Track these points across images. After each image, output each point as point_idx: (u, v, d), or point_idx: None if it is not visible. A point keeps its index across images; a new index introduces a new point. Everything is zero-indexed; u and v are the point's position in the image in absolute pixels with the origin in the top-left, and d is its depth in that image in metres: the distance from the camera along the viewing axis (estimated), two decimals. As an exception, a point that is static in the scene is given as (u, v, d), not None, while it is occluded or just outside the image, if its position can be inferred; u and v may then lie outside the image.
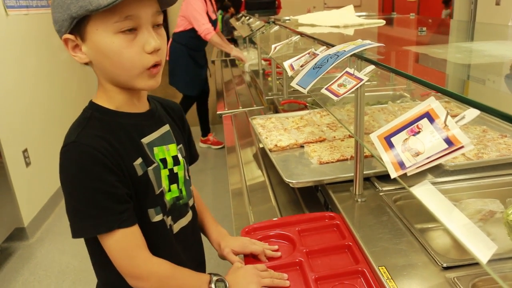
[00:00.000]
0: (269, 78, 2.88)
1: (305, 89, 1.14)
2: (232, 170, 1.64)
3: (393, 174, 0.70)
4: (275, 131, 1.70)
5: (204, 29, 3.67)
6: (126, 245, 0.82)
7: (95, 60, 0.82)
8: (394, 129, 0.73)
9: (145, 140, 0.88)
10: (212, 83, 3.97)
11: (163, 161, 0.90)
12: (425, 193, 0.67)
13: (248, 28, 3.75)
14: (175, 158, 0.93)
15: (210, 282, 0.87)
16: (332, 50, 1.18)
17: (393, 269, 0.90)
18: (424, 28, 1.62)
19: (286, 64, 1.40)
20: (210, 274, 0.90)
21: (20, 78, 2.97)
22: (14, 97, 2.86)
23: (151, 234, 0.87)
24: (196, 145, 1.27)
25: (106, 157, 0.79)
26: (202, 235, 1.09)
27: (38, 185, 3.05)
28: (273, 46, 1.83)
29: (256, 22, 3.57)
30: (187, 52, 3.86)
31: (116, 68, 0.80)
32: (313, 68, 1.17)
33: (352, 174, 1.22)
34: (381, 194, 1.21)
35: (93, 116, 0.85)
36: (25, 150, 2.92)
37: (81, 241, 0.91)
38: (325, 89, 1.07)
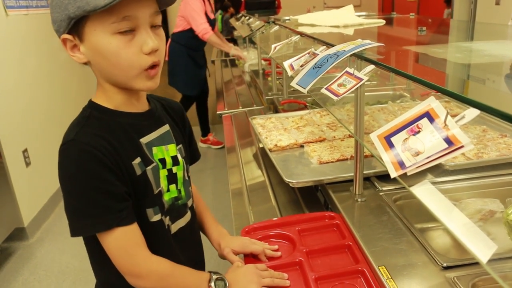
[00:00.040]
0: (269, 78, 2.88)
1: (305, 89, 1.14)
2: (232, 170, 1.64)
3: (393, 174, 0.70)
4: (275, 131, 1.70)
5: (202, 28, 3.67)
6: (125, 243, 0.82)
7: (93, 61, 0.82)
8: (394, 128, 0.73)
9: (144, 140, 0.88)
10: (212, 83, 3.97)
11: (162, 161, 0.90)
12: (425, 192, 0.67)
13: (248, 28, 3.75)
14: (174, 158, 0.93)
15: (210, 281, 0.87)
16: (332, 50, 1.18)
17: (393, 269, 0.90)
18: (424, 28, 1.62)
19: (286, 64, 1.40)
20: (210, 272, 0.90)
21: (20, 78, 2.97)
22: (14, 97, 2.86)
23: (149, 234, 0.87)
24: (196, 145, 1.27)
25: (105, 156, 0.79)
26: (202, 235, 1.09)
27: (38, 185, 3.05)
28: (273, 46, 1.83)
29: (256, 22, 3.57)
30: (186, 52, 3.86)
31: (114, 68, 0.80)
32: (313, 68, 1.17)
33: (352, 174, 1.22)
34: (381, 194, 1.21)
35: (92, 115, 0.85)
36: (25, 150, 2.92)
37: (81, 241, 0.91)
38: (325, 89, 1.07)
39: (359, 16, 2.19)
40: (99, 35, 0.77)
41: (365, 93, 1.09)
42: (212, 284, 0.87)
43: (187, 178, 0.98)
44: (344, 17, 2.08)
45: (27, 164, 2.93)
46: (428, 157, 0.65)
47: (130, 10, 0.76)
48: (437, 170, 0.68)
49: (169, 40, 3.90)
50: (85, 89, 3.97)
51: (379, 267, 0.91)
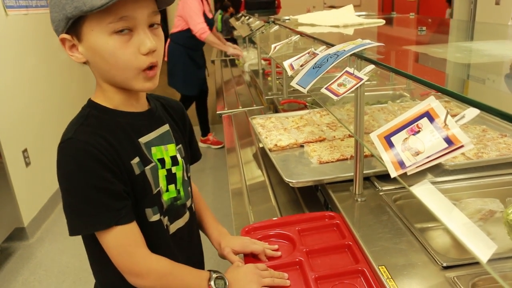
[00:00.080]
0: (269, 78, 2.88)
1: (305, 88, 1.14)
2: (232, 169, 1.64)
3: (393, 174, 0.70)
4: (275, 130, 1.70)
5: (200, 28, 3.67)
6: (124, 242, 0.82)
7: (92, 60, 0.82)
8: (394, 128, 0.73)
9: (143, 140, 0.88)
10: (212, 83, 3.97)
11: (161, 161, 0.90)
12: (425, 192, 0.67)
13: (247, 27, 3.75)
14: (173, 159, 0.93)
15: (210, 279, 0.87)
16: (332, 50, 1.18)
17: (393, 269, 0.90)
18: (424, 28, 1.62)
19: (286, 63, 1.40)
20: (209, 271, 0.90)
21: (19, 78, 2.97)
22: (14, 97, 2.86)
23: (148, 234, 0.87)
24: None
25: (103, 154, 0.79)
26: (201, 235, 1.09)
27: (38, 185, 3.05)
28: (273, 45, 1.83)
29: (255, 22, 3.57)
30: (186, 52, 3.86)
31: (111, 68, 0.80)
32: (313, 68, 1.17)
33: (352, 174, 1.22)
34: (381, 193, 1.21)
35: (91, 114, 0.85)
36: (25, 150, 2.92)
37: (81, 241, 0.91)
38: (325, 88, 1.07)
39: (359, 16, 2.19)
40: (96, 35, 0.77)
41: (365, 93, 1.09)
42: (212, 283, 0.87)
43: (186, 178, 0.98)
44: (344, 17, 2.08)
45: (27, 164, 2.93)
46: (428, 157, 0.65)
47: (127, 10, 0.76)
48: (437, 169, 0.68)
49: (168, 40, 3.90)
50: (85, 89, 3.97)
51: (379, 267, 0.91)
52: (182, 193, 0.96)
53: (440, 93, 0.75)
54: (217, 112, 2.46)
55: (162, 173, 0.90)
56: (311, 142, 1.57)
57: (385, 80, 2.21)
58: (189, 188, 1.00)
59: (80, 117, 0.85)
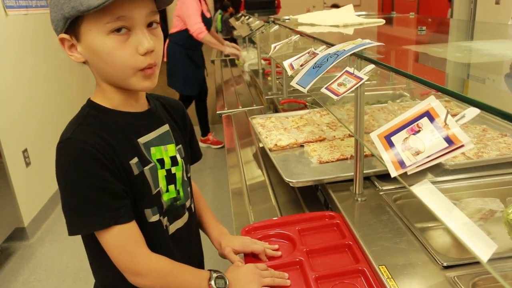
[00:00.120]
0: (269, 78, 2.88)
1: (305, 88, 1.14)
2: (232, 169, 1.64)
3: (393, 173, 0.70)
4: (275, 130, 1.70)
5: (197, 28, 3.67)
6: (124, 241, 0.82)
7: (90, 60, 0.82)
8: (394, 128, 0.73)
9: (142, 140, 0.88)
10: (212, 83, 3.97)
11: (160, 161, 0.90)
12: (425, 192, 0.67)
13: (247, 27, 3.75)
14: (173, 159, 0.93)
15: (210, 279, 0.87)
16: (331, 50, 1.18)
17: (393, 268, 0.90)
18: (424, 27, 1.62)
19: (286, 63, 1.40)
20: (210, 270, 0.90)
21: (19, 78, 2.97)
22: (14, 97, 2.86)
23: (147, 235, 0.86)
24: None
25: (101, 153, 0.79)
26: (201, 235, 1.09)
27: (38, 185, 3.05)
28: (272, 45, 1.83)
29: (255, 22, 3.56)
30: (185, 52, 3.86)
31: (109, 68, 0.80)
32: (313, 68, 1.17)
33: (352, 174, 1.22)
34: (381, 193, 1.21)
35: (90, 114, 0.85)
36: (25, 150, 2.92)
37: (81, 241, 0.91)
38: (325, 88, 1.07)
39: (358, 15, 2.19)
40: (94, 35, 0.77)
41: (365, 93, 1.09)
42: (212, 282, 0.87)
43: (186, 178, 0.98)
44: (344, 17, 2.08)
45: (27, 164, 2.93)
46: (428, 156, 0.65)
47: (124, 10, 0.75)
48: (437, 169, 0.68)
49: (167, 40, 3.89)
50: (84, 89, 3.97)
51: (379, 267, 0.91)
52: (181, 193, 0.96)
53: (440, 92, 0.74)
54: (217, 112, 2.46)
55: (161, 173, 0.90)
56: (311, 142, 1.57)
57: (385, 79, 2.21)
58: (189, 189, 1.00)
59: (79, 117, 0.85)
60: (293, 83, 1.20)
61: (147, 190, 0.87)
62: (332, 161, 1.40)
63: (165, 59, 3.89)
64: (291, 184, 1.29)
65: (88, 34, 0.78)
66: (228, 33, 6.51)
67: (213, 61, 4.62)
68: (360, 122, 1.09)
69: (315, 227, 1.13)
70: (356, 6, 2.32)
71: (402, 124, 0.72)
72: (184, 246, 0.99)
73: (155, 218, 0.89)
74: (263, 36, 2.95)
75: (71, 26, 0.78)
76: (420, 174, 0.68)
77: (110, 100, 0.86)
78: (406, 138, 0.70)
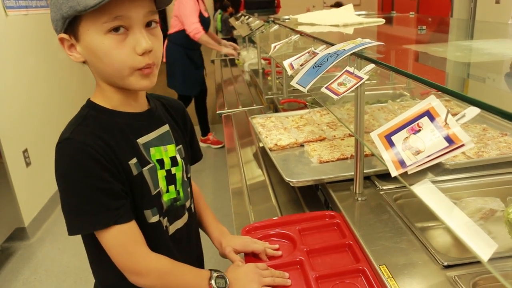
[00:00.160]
0: (269, 77, 2.88)
1: (305, 88, 1.14)
2: (232, 169, 1.64)
3: (394, 173, 0.70)
4: (275, 130, 1.70)
5: (194, 28, 3.67)
6: (124, 241, 0.82)
7: (89, 60, 0.82)
8: (395, 127, 0.73)
9: (141, 141, 0.88)
10: (212, 83, 3.97)
11: (160, 161, 0.90)
12: (426, 191, 0.67)
13: (247, 27, 3.75)
14: (173, 159, 0.93)
15: (210, 278, 0.87)
16: (331, 49, 1.17)
17: (394, 268, 0.90)
18: (424, 27, 1.62)
19: (286, 63, 1.40)
20: (210, 270, 0.90)
21: (20, 78, 2.97)
22: (14, 98, 2.86)
23: (147, 235, 0.86)
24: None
25: (100, 154, 0.79)
26: (201, 235, 1.09)
27: (38, 185, 3.05)
28: (272, 45, 1.83)
29: (255, 22, 3.56)
30: (184, 52, 3.86)
31: (107, 68, 0.80)
32: (313, 67, 1.17)
33: (352, 173, 1.22)
34: (381, 193, 1.21)
35: (90, 115, 0.85)
36: (25, 150, 2.92)
37: (81, 241, 0.91)
38: (325, 88, 1.07)
39: (358, 15, 2.19)
40: (92, 35, 0.77)
41: (365, 92, 1.09)
42: (213, 282, 0.87)
43: (186, 179, 0.98)
44: (344, 16, 2.08)
45: (27, 164, 2.93)
46: (428, 156, 0.65)
47: (122, 9, 0.75)
48: (437, 169, 0.68)
49: (166, 41, 3.89)
50: (84, 89, 3.97)
51: (380, 266, 0.91)
52: (181, 194, 0.96)
53: (440, 92, 0.74)
54: (217, 112, 2.46)
55: (161, 174, 0.90)
56: (311, 141, 1.57)
57: (385, 79, 2.20)
58: (189, 189, 1.00)
59: (79, 117, 0.85)
60: (293, 82, 1.20)
61: (146, 190, 0.87)
62: (332, 161, 1.40)
63: (164, 60, 3.89)
64: (291, 184, 1.29)
65: (86, 34, 0.78)
66: (228, 33, 6.51)
67: (213, 61, 4.62)
68: (360, 121, 1.09)
69: (316, 227, 1.13)
70: (356, 6, 2.32)
71: (402, 123, 0.72)
72: (184, 246, 0.99)
73: (155, 218, 0.89)
74: (263, 35, 2.95)
75: (70, 26, 0.78)
76: (420, 174, 0.68)
77: (110, 100, 0.86)
78: (407, 137, 0.70)
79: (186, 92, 4.05)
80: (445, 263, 0.89)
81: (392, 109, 1.66)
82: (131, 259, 0.83)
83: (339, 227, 1.11)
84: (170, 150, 0.93)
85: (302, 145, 1.55)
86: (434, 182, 0.69)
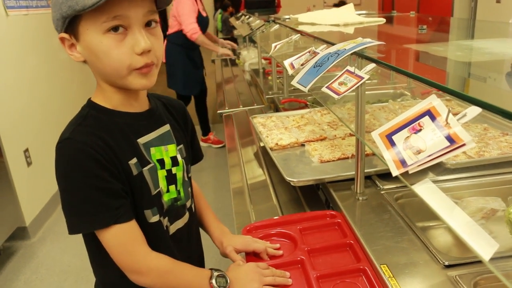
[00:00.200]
0: (270, 77, 2.88)
1: (305, 87, 1.14)
2: (233, 169, 1.64)
3: (395, 172, 0.69)
4: (275, 129, 1.70)
5: (191, 28, 3.67)
6: (124, 240, 0.82)
7: (89, 60, 0.82)
8: (396, 127, 0.73)
9: (142, 140, 0.88)
10: (212, 82, 3.97)
11: (160, 161, 0.90)
12: (427, 191, 0.67)
13: (248, 27, 3.75)
14: (173, 159, 0.93)
15: (211, 277, 0.87)
16: (332, 49, 1.17)
17: (395, 267, 0.90)
18: (425, 26, 1.62)
19: (286, 62, 1.40)
20: (211, 269, 0.90)
21: (20, 78, 2.97)
22: (15, 97, 2.86)
23: (147, 235, 0.87)
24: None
25: (99, 153, 0.79)
26: (202, 235, 1.09)
27: (40, 185, 3.05)
28: (273, 45, 1.83)
29: (256, 21, 3.56)
30: (184, 52, 3.86)
31: (106, 67, 0.80)
32: (314, 67, 1.17)
33: (353, 173, 1.22)
34: (382, 192, 1.21)
35: (90, 115, 0.85)
36: (26, 150, 2.93)
37: (82, 240, 0.91)
38: (326, 87, 1.07)
39: (359, 14, 2.19)
40: (91, 34, 0.77)
41: (366, 92, 1.09)
42: (213, 281, 0.87)
43: (186, 179, 0.98)
44: (344, 16, 2.08)
45: (29, 163, 2.94)
46: (429, 155, 0.65)
47: (121, 9, 0.75)
48: (438, 168, 0.68)
49: (165, 41, 3.89)
50: (85, 88, 3.97)
51: (381, 266, 0.91)
52: (182, 193, 0.96)
53: (441, 91, 0.74)
54: (218, 112, 2.46)
55: (161, 173, 0.90)
56: (312, 141, 1.57)
57: (386, 79, 2.20)
58: (189, 189, 1.00)
59: (79, 117, 0.85)
60: (294, 82, 1.20)
61: (146, 190, 0.87)
62: (333, 160, 1.40)
63: (163, 60, 3.89)
64: (292, 183, 1.29)
65: (86, 34, 0.78)
66: (228, 33, 6.51)
67: (213, 61, 4.62)
68: (361, 121, 1.09)
69: (316, 226, 1.13)
70: (356, 5, 2.31)
71: (403, 123, 0.72)
72: (185, 246, 0.99)
73: (155, 218, 0.89)
74: (263, 35, 2.95)
75: (70, 25, 0.79)
76: (421, 173, 0.68)
77: (110, 100, 0.86)
78: (408, 137, 0.70)
79: (186, 92, 4.05)
80: (446, 263, 0.89)
81: (393, 109, 1.66)
82: (132, 258, 0.83)
83: (340, 227, 1.11)
84: (171, 150, 0.93)
85: (303, 145, 1.56)
86: (435, 181, 0.69)
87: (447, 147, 0.63)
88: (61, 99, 3.59)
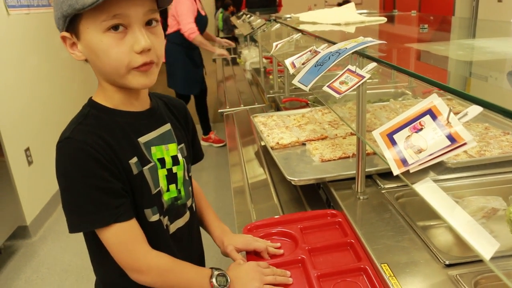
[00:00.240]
0: (271, 76, 2.88)
1: (306, 86, 1.14)
2: (234, 168, 1.65)
3: (396, 171, 0.69)
4: (276, 129, 1.70)
5: (189, 28, 3.68)
6: (124, 239, 0.83)
7: (89, 59, 0.82)
8: (397, 126, 0.73)
9: (142, 140, 0.88)
10: (213, 81, 3.97)
11: (161, 160, 0.90)
12: (427, 190, 0.67)
13: (249, 26, 3.75)
14: (174, 158, 0.93)
15: (211, 276, 0.87)
16: (333, 48, 1.17)
17: (396, 267, 0.90)
18: (426, 25, 1.61)
19: (287, 62, 1.40)
20: (211, 268, 0.90)
21: (21, 77, 2.97)
22: (16, 96, 2.86)
23: (147, 234, 0.87)
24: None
25: (99, 153, 0.79)
26: (203, 234, 1.09)
27: (40, 184, 3.06)
28: (274, 44, 1.83)
29: (257, 20, 3.56)
30: (184, 51, 3.86)
31: (105, 66, 0.80)
32: (315, 66, 1.17)
33: (354, 172, 1.22)
34: (383, 191, 1.21)
35: (91, 114, 0.85)
36: (27, 149, 2.93)
37: (83, 239, 0.91)
38: (327, 86, 1.07)
39: (360, 14, 2.19)
40: (91, 33, 0.77)
41: (367, 91, 1.09)
42: (214, 280, 0.87)
43: (187, 178, 0.98)
44: (346, 15, 2.08)
45: (29, 162, 2.94)
46: (430, 154, 0.65)
47: (120, 8, 0.75)
48: (439, 167, 0.68)
49: (165, 41, 3.89)
50: (86, 87, 3.97)
51: (382, 265, 0.91)
52: (182, 193, 0.96)
53: (442, 91, 0.74)
54: (219, 111, 2.46)
55: (162, 173, 0.90)
56: (313, 140, 1.57)
57: (387, 78, 2.20)
58: (190, 188, 1.00)
59: (80, 116, 0.85)
60: (295, 81, 1.20)
61: (146, 189, 0.87)
62: (334, 160, 1.40)
63: (163, 60, 3.88)
64: (293, 183, 1.29)
65: (86, 32, 0.78)
66: (229, 32, 6.51)
67: (214, 60, 4.62)
68: (362, 120, 1.09)
69: (317, 225, 1.13)
70: (357, 5, 2.31)
71: (404, 122, 0.72)
72: (185, 245, 0.99)
73: (155, 217, 0.89)
74: (264, 34, 2.94)
75: (71, 24, 0.79)
76: (422, 172, 0.68)
77: (111, 99, 0.86)
78: (409, 136, 0.70)
79: (186, 92, 4.05)
80: (447, 262, 0.89)
81: (394, 108, 1.66)
82: (132, 257, 0.84)
83: (340, 226, 1.11)
84: (172, 149, 0.93)
85: (303, 144, 1.55)
86: (436, 180, 0.69)
87: (448, 146, 0.63)
88: (62, 98, 3.59)
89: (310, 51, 1.32)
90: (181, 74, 3.92)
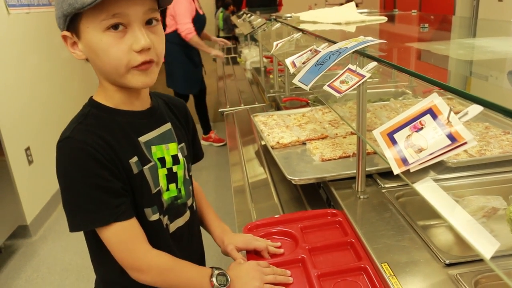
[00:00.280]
0: (271, 76, 2.88)
1: (307, 86, 1.14)
2: (234, 167, 1.65)
3: (396, 170, 0.69)
4: (277, 128, 1.70)
5: (186, 28, 3.68)
6: (124, 238, 0.83)
7: (90, 58, 0.82)
8: (397, 125, 0.73)
9: (143, 139, 0.88)
10: (214, 81, 3.98)
11: (161, 160, 0.90)
12: (428, 189, 0.67)
13: (249, 25, 3.75)
14: (174, 158, 0.93)
15: (211, 276, 0.87)
16: (334, 47, 1.17)
17: (396, 266, 0.90)
18: (426, 25, 1.61)
19: (288, 61, 1.40)
20: (211, 267, 0.90)
21: (22, 76, 2.97)
22: (16, 96, 2.86)
23: (147, 233, 0.87)
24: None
25: (99, 152, 0.80)
26: (203, 234, 1.09)
27: (41, 183, 3.06)
28: (274, 43, 1.83)
29: (257, 20, 3.56)
30: (183, 51, 3.86)
31: (105, 66, 0.80)
32: (315, 65, 1.17)
33: (354, 171, 1.22)
34: (383, 191, 1.21)
35: (91, 113, 0.85)
36: (28, 148, 2.93)
37: (83, 239, 0.91)
38: (327, 86, 1.07)
39: (361, 13, 2.19)
40: (91, 32, 0.77)
41: (367, 90, 1.09)
42: (214, 279, 0.87)
43: (187, 177, 0.98)
44: (346, 14, 2.07)
45: (30, 162, 2.94)
46: (431, 154, 0.65)
47: (120, 7, 0.75)
48: (439, 167, 0.68)
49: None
50: (87, 87, 3.97)
51: (382, 264, 0.91)
52: (183, 192, 0.96)
53: (442, 90, 0.74)
54: (219, 110, 2.46)
55: (162, 172, 0.90)
56: (313, 139, 1.57)
57: (388, 77, 2.20)
58: (190, 187, 1.00)
59: (80, 116, 0.85)
60: (295, 80, 1.20)
61: (146, 189, 0.87)
62: (334, 159, 1.40)
63: (162, 60, 3.88)
64: (293, 182, 1.29)
65: (86, 32, 0.78)
66: (230, 31, 6.50)
67: (214, 59, 4.62)
68: (362, 119, 1.09)
69: (317, 225, 1.13)
70: (358, 4, 2.31)
71: (405, 121, 0.72)
72: (185, 245, 0.99)
73: (155, 217, 0.89)
74: (265, 34, 2.94)
75: (72, 23, 0.79)
76: (422, 172, 0.68)
77: (112, 98, 0.87)
78: (409, 135, 0.70)
79: (186, 91, 4.05)
80: (447, 261, 0.89)
81: (394, 107, 1.66)
82: (132, 256, 0.84)
83: (341, 225, 1.11)
84: (172, 149, 0.93)
85: (304, 143, 1.55)
86: (436, 180, 0.69)
87: (449, 145, 0.63)
88: (63, 97, 3.59)
89: (310, 50, 1.32)
90: (180, 74, 3.93)
